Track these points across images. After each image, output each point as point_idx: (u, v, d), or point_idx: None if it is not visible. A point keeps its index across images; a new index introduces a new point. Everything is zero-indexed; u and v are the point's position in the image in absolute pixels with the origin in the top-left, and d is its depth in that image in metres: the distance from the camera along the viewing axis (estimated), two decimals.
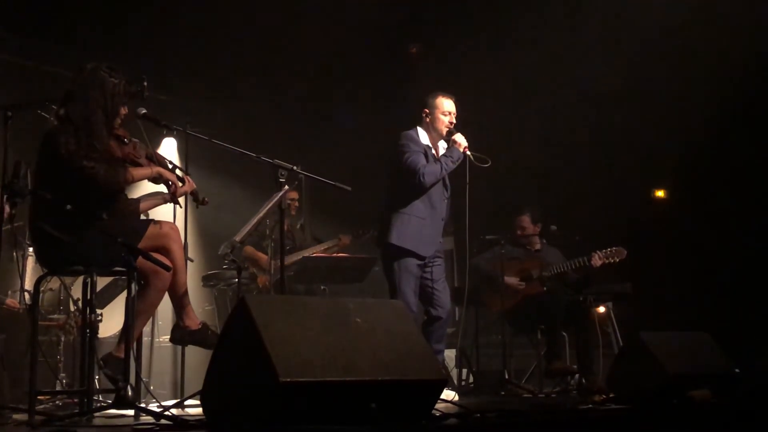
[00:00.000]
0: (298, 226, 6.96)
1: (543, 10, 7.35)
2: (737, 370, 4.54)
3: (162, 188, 4.05)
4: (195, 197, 4.14)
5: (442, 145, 5.27)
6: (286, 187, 4.25)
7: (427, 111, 5.22)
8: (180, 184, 4.01)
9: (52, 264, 3.79)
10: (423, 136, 5.22)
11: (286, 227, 6.30)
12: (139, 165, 3.93)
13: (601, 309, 6.77)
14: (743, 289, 6.95)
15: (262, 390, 2.75)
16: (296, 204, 6.77)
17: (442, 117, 5.19)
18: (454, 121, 5.20)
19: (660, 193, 8.22)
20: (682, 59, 7.26)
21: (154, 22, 6.81)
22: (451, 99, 5.24)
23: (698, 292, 7.11)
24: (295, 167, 4.28)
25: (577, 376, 5.74)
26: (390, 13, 7.56)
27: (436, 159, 5.15)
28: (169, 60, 7.28)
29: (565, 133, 7.86)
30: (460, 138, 5.10)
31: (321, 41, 7.56)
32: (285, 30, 7.30)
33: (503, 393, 5.66)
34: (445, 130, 5.19)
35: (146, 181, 4.02)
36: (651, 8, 7.03)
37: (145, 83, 4.01)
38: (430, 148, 5.21)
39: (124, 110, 3.89)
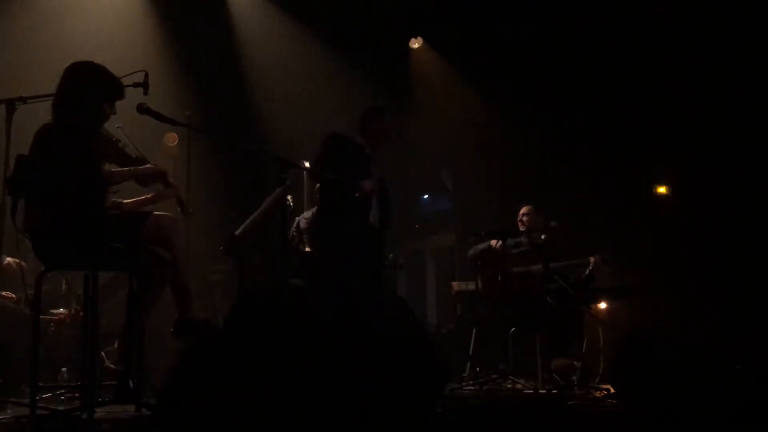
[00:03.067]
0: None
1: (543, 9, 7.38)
2: (738, 368, 4.54)
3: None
4: (181, 205, 4.12)
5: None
6: (288, 182, 4.25)
7: (368, 121, 5.36)
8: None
9: (50, 259, 3.79)
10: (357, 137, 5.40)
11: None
12: (130, 162, 3.94)
13: (602, 306, 6.78)
14: (746, 286, 6.95)
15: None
16: None
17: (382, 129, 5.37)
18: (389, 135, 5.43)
19: (662, 190, 8.22)
20: (683, 53, 7.27)
21: None
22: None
23: (700, 289, 7.11)
24: (296, 163, 4.28)
25: (578, 372, 5.75)
26: (391, 8, 7.60)
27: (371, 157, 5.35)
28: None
29: (565, 129, 7.86)
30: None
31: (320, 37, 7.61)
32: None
33: (505, 389, 5.67)
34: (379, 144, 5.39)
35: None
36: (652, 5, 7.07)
37: (147, 77, 4.02)
38: (363, 148, 5.34)
39: (113, 109, 3.89)
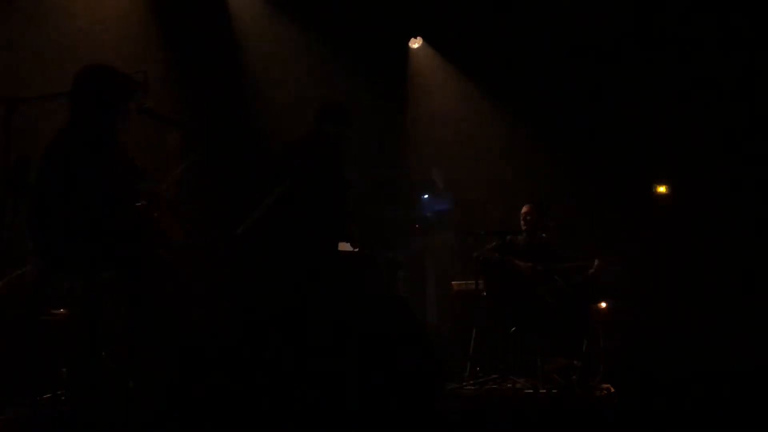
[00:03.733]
0: None
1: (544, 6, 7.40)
2: (738, 368, 4.55)
3: None
4: (181, 226, 4.13)
5: None
6: (288, 182, 4.25)
7: (336, 121, 5.37)
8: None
9: (51, 259, 3.79)
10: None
11: None
12: (137, 172, 3.95)
13: (602, 306, 6.78)
14: (746, 286, 6.95)
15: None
16: None
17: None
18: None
19: (662, 189, 8.21)
20: (683, 52, 7.28)
21: None
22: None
23: (700, 289, 7.11)
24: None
25: (578, 371, 5.75)
26: (391, 8, 7.61)
27: None
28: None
29: (564, 128, 7.87)
30: None
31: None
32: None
33: (505, 389, 5.67)
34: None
35: None
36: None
37: (147, 77, 4.02)
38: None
39: (127, 107, 3.90)
